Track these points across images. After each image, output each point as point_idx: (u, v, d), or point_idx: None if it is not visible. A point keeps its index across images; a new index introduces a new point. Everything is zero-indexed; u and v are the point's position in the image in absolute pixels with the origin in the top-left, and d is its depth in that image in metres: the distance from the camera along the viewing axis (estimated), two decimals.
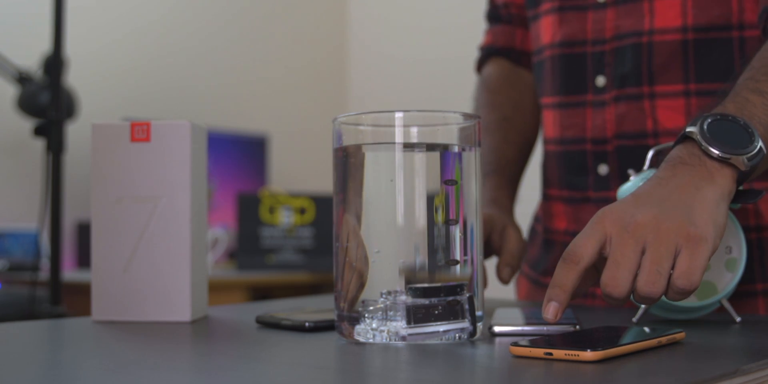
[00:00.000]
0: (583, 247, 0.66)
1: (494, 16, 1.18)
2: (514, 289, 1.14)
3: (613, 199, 0.78)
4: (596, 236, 0.66)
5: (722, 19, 0.91)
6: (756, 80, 0.76)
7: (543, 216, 1.09)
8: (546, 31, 1.03)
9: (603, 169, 0.97)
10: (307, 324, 0.72)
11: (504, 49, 1.16)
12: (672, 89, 0.93)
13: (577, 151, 1.00)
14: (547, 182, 1.07)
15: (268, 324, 0.76)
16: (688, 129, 0.71)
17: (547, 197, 1.07)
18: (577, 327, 0.68)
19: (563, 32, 1.01)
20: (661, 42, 0.93)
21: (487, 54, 1.18)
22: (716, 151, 0.69)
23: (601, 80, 0.97)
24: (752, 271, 0.90)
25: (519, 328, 0.69)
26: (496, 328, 0.69)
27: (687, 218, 0.66)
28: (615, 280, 0.65)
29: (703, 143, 0.70)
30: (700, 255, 0.65)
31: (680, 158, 0.71)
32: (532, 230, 1.14)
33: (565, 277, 0.66)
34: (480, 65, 1.20)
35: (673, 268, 0.64)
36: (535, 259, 1.10)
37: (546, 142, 1.07)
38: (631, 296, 0.66)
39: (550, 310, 0.66)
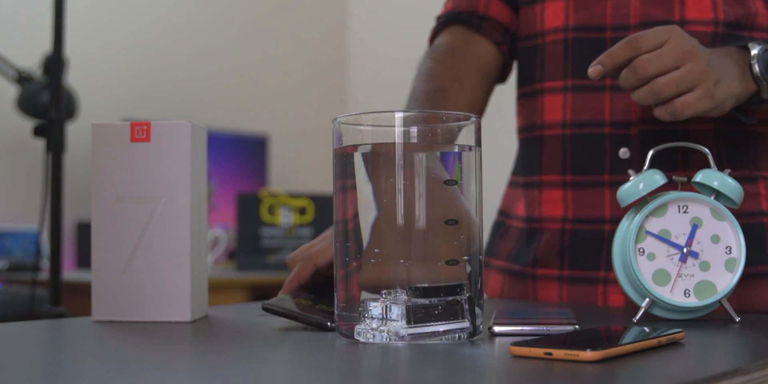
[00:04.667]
0: (648, 41, 0.82)
1: None
2: None
3: None
4: (662, 38, 0.82)
5: (743, 19, 0.96)
6: None
7: (527, 205, 1.07)
8: (555, 15, 1.03)
9: (625, 152, 0.99)
10: (329, 324, 0.71)
11: (465, 13, 1.10)
12: None
13: (592, 135, 1.00)
14: (539, 169, 1.06)
15: (278, 313, 0.75)
16: (753, 51, 0.88)
17: (538, 184, 1.06)
18: (577, 327, 0.68)
19: (579, 17, 1.01)
20: (694, 32, 0.94)
21: (444, 22, 1.12)
22: (758, 70, 0.88)
23: None
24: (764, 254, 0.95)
25: (519, 328, 0.69)
26: (496, 328, 0.69)
27: (719, 80, 0.84)
28: (649, 63, 0.81)
29: (755, 62, 0.88)
30: (702, 103, 0.83)
31: (732, 57, 0.88)
32: (500, 224, 1.13)
33: (621, 53, 0.83)
34: (433, 36, 1.14)
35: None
36: (514, 253, 1.08)
37: (545, 127, 1.05)
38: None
39: (595, 69, 0.83)
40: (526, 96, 1.09)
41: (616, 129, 0.99)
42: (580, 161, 1.01)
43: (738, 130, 0.98)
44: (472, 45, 1.09)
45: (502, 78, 1.14)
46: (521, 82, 1.11)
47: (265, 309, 0.77)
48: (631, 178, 0.80)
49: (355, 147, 0.66)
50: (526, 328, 0.69)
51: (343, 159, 0.67)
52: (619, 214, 0.97)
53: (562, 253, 1.03)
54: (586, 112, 1.01)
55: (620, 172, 0.98)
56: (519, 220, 1.09)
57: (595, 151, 1.00)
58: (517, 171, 1.12)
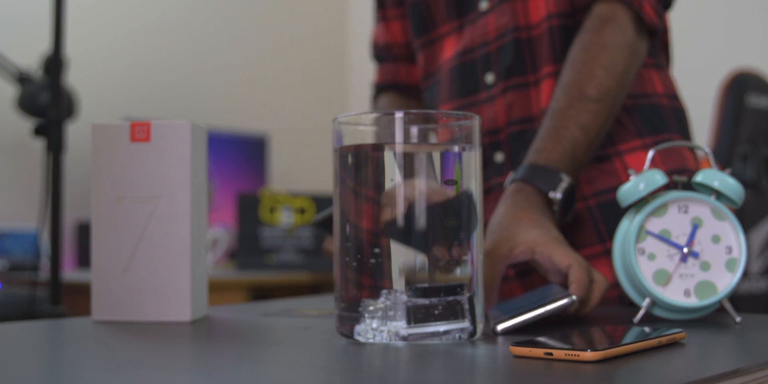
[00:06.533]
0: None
1: (379, 56, 1.29)
2: None
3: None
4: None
5: (570, 8, 1.03)
6: (577, 110, 0.94)
7: None
8: (448, 49, 1.13)
9: (499, 156, 1.06)
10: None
11: (392, 84, 1.27)
12: (548, 70, 1.04)
13: None
14: None
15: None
16: (558, 197, 0.90)
17: None
18: (574, 298, 0.68)
19: (459, 45, 1.11)
20: (537, 35, 1.04)
21: (378, 90, 1.28)
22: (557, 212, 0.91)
23: (489, 77, 1.07)
24: (593, 236, 1.00)
25: (521, 319, 0.68)
26: (500, 327, 0.68)
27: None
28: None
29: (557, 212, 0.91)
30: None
31: (543, 216, 0.89)
32: None
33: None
34: (374, 102, 1.30)
35: None
36: None
37: None
38: None
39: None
40: None
41: (490, 136, 1.07)
42: None
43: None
44: (409, 103, 1.26)
45: None
46: None
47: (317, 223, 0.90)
48: (631, 178, 0.80)
49: (355, 147, 0.66)
50: (527, 316, 0.68)
51: (343, 159, 0.67)
52: None
53: None
54: None
55: (498, 175, 1.06)
56: None
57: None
58: None
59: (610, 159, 1.02)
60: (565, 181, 0.90)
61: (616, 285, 0.97)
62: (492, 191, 1.05)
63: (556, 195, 0.90)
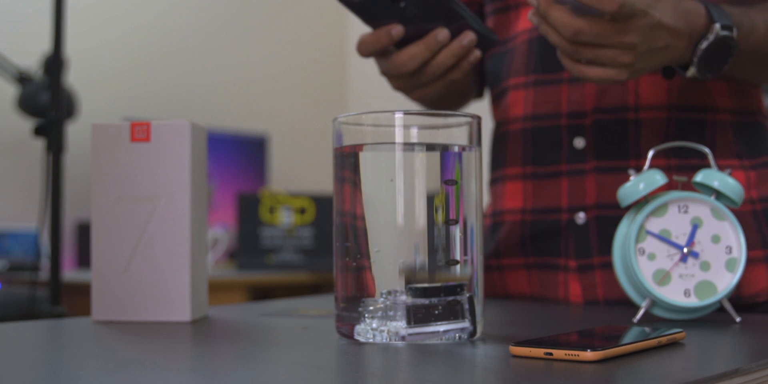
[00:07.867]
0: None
1: None
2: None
3: (586, 171, 0.99)
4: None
5: None
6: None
7: (492, 201, 1.12)
8: (526, 18, 1.07)
9: (579, 142, 1.01)
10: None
11: None
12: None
13: (550, 127, 1.03)
14: (502, 163, 1.10)
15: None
16: (721, 32, 0.84)
17: (502, 178, 1.09)
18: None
19: None
20: None
21: None
22: (698, 57, 0.86)
23: None
24: (755, 239, 0.96)
25: None
26: None
27: (642, 68, 0.85)
28: (587, 36, 0.82)
29: (703, 46, 0.85)
30: (605, 80, 0.84)
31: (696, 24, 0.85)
32: None
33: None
34: None
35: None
36: None
37: (508, 122, 1.09)
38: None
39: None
40: (496, 98, 1.13)
41: (571, 120, 1.01)
42: (539, 153, 1.04)
43: (691, 117, 0.99)
44: None
45: (479, 93, 1.23)
46: (492, 86, 1.15)
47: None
48: (631, 178, 0.80)
49: (355, 147, 0.66)
50: None
51: (344, 159, 0.67)
52: (574, 203, 1.01)
53: (524, 244, 1.06)
54: (544, 105, 1.04)
55: (576, 161, 1.01)
56: (486, 217, 1.13)
57: (551, 142, 1.03)
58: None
59: None
60: (734, 33, 0.85)
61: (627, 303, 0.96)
62: (563, 176, 1.02)
63: (718, 29, 0.84)
